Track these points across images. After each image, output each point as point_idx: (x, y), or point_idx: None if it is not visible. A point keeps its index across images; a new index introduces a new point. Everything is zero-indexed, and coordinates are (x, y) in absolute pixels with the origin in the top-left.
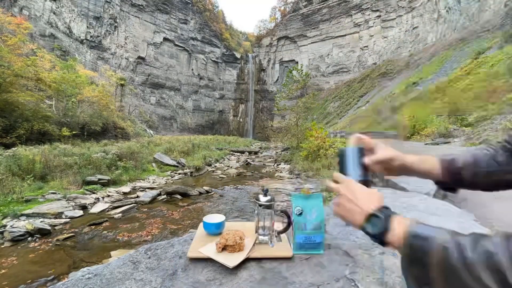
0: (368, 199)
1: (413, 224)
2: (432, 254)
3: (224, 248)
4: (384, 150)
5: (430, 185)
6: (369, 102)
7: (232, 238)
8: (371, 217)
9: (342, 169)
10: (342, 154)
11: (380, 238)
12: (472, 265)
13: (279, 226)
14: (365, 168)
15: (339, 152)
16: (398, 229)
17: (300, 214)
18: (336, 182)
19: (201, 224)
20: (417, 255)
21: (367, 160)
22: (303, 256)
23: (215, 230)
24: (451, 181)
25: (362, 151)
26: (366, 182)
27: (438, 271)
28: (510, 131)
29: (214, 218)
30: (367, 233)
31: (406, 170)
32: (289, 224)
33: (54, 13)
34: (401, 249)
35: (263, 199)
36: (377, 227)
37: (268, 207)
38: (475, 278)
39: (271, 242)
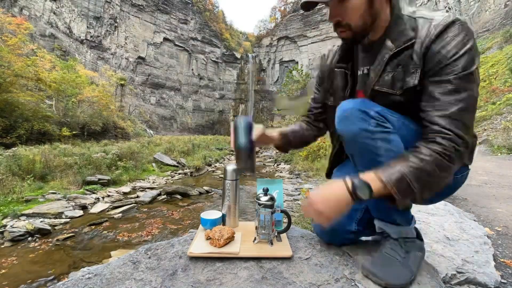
0: (331, 188)
1: (380, 173)
2: (408, 178)
3: (208, 238)
4: (257, 130)
5: None
6: None
7: (218, 232)
8: (357, 189)
9: (235, 138)
10: (236, 125)
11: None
12: (436, 173)
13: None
14: (251, 141)
15: (234, 122)
16: (373, 181)
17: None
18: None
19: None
20: (402, 185)
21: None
22: (303, 256)
23: (212, 226)
24: (283, 142)
25: (251, 126)
26: (251, 151)
27: (418, 185)
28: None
29: (211, 214)
30: (361, 200)
31: (264, 138)
32: (289, 224)
33: (54, 13)
34: (383, 193)
35: (263, 198)
36: (365, 191)
37: (268, 206)
38: (438, 177)
39: (271, 242)
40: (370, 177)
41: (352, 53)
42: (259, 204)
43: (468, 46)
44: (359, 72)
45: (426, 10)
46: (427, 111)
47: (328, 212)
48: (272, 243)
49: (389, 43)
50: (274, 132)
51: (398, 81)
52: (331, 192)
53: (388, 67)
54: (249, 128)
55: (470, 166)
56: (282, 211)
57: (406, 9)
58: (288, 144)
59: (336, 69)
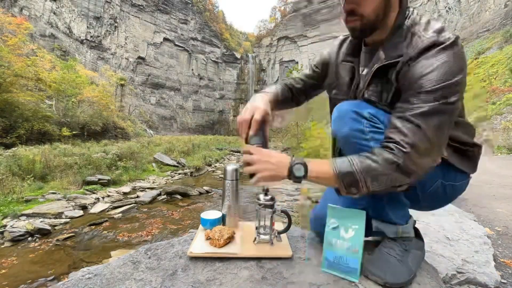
0: (281, 156)
1: (329, 160)
2: (354, 165)
3: (208, 238)
4: (258, 111)
5: None
6: None
7: (218, 232)
8: (294, 166)
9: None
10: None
11: (303, 178)
12: (380, 163)
13: (279, 226)
14: (264, 135)
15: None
16: (318, 165)
17: (335, 228)
18: (248, 153)
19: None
20: (346, 170)
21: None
22: (303, 256)
23: (212, 226)
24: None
25: (264, 120)
26: (265, 147)
27: (362, 173)
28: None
29: (211, 214)
30: (293, 177)
31: (276, 107)
32: (290, 224)
33: (54, 13)
34: (325, 177)
35: (263, 198)
36: (300, 170)
37: (269, 206)
38: (382, 168)
39: (271, 242)
40: (315, 160)
41: (360, 49)
42: (259, 204)
43: (443, 69)
44: (361, 70)
45: (429, 22)
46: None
47: (262, 166)
48: (272, 243)
49: (381, 53)
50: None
51: (384, 92)
52: (276, 155)
53: (376, 79)
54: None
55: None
56: (282, 211)
57: (412, 19)
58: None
59: (343, 62)
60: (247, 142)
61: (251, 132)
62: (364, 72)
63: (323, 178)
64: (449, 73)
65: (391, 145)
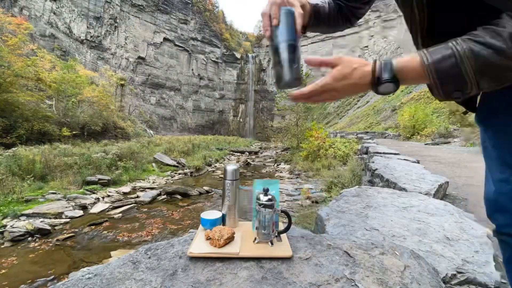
0: (362, 60)
1: (425, 51)
2: (461, 57)
3: (208, 238)
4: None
5: (429, 185)
6: (369, 102)
7: (218, 232)
8: (376, 65)
9: (276, 31)
10: (281, 18)
11: (395, 78)
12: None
13: (279, 226)
14: (295, 30)
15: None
16: (410, 61)
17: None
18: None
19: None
20: (448, 65)
21: (298, 21)
22: (303, 256)
23: (212, 226)
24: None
25: (293, 14)
26: (295, 46)
27: (474, 67)
28: None
29: (211, 214)
30: (382, 80)
31: (312, 16)
32: (290, 224)
33: (54, 13)
34: (422, 76)
35: (263, 198)
36: (389, 69)
37: (268, 206)
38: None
39: (271, 242)
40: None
41: None
42: (259, 204)
43: None
44: None
45: None
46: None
47: (344, 76)
48: (272, 243)
49: None
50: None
51: None
52: (355, 61)
53: None
54: (292, 18)
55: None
56: (282, 211)
57: None
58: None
59: None
60: (271, 39)
61: (274, 22)
62: None
63: (413, 73)
64: None
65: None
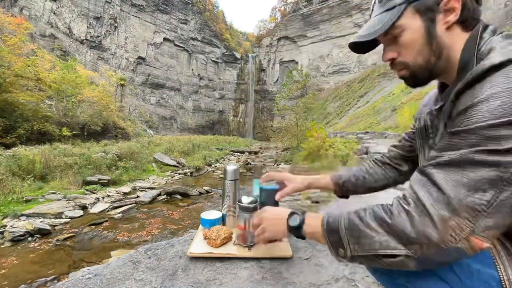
0: (281, 210)
1: (324, 214)
2: (341, 222)
3: (206, 237)
4: (291, 184)
5: None
6: (369, 102)
7: (215, 232)
8: (291, 215)
9: (262, 203)
10: (261, 193)
11: (301, 229)
12: (366, 220)
13: None
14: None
15: (260, 189)
16: (313, 219)
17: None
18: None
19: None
20: (332, 227)
21: (278, 197)
22: (303, 256)
23: (211, 226)
24: (341, 190)
25: (277, 191)
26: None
27: (346, 231)
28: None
29: (211, 214)
30: (291, 229)
31: (311, 188)
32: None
33: (54, 13)
34: (318, 232)
35: (245, 201)
36: (296, 220)
37: (249, 209)
38: (367, 226)
39: (248, 247)
40: (314, 214)
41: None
42: (240, 208)
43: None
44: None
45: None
46: None
47: (267, 227)
48: (249, 248)
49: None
50: (324, 179)
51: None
52: (277, 212)
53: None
54: (274, 192)
55: None
56: None
57: (489, 45)
58: (347, 192)
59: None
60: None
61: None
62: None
63: (315, 234)
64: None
65: (394, 200)
